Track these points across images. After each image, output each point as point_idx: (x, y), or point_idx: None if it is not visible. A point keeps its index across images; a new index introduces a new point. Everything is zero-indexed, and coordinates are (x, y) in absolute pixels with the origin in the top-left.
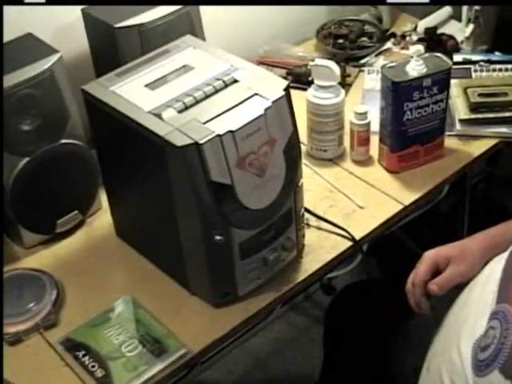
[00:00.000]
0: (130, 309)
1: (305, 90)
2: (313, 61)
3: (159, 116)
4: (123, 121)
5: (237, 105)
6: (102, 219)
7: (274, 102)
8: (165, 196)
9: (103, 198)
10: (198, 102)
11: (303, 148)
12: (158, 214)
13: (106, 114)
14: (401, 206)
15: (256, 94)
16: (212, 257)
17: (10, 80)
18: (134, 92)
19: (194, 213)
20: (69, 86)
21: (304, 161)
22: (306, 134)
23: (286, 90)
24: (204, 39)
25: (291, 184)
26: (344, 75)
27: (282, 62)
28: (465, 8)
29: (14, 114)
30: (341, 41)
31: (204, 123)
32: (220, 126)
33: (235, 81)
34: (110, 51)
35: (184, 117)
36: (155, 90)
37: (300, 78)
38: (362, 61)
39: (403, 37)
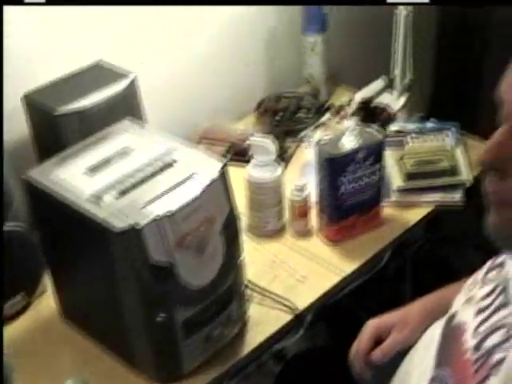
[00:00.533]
0: None
1: (245, 165)
2: (251, 137)
3: (99, 200)
4: (65, 206)
5: (175, 186)
6: (49, 301)
7: (210, 183)
8: (107, 278)
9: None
10: (136, 185)
11: (245, 222)
12: (102, 296)
13: (47, 200)
14: (341, 276)
15: (193, 175)
16: (155, 336)
17: None
18: (75, 177)
19: (136, 293)
20: (12, 171)
21: (246, 235)
22: (247, 208)
23: (223, 169)
24: (144, 120)
25: (231, 260)
26: (283, 149)
27: (223, 139)
28: (398, 78)
29: None
30: (279, 115)
31: (143, 206)
32: (159, 208)
33: (173, 162)
34: (51, 137)
35: (123, 200)
36: (96, 174)
37: (240, 154)
38: (301, 134)
39: (340, 109)
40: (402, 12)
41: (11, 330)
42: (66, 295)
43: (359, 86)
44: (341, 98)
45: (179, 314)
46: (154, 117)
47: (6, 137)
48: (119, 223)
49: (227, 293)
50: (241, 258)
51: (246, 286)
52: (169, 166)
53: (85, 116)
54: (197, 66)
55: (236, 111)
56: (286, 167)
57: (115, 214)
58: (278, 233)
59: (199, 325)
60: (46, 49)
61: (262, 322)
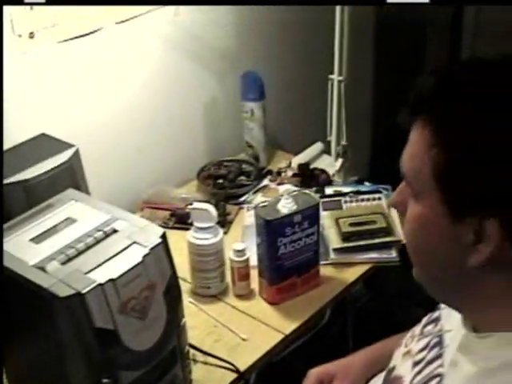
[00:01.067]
0: None
1: (188, 229)
2: (192, 203)
3: (43, 269)
4: (10, 276)
5: (117, 254)
6: None
7: (151, 249)
8: (53, 345)
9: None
10: (80, 253)
11: (188, 286)
12: (49, 363)
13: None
14: (282, 336)
15: (135, 243)
16: None
17: None
18: (20, 247)
19: (81, 358)
20: None
21: (189, 298)
22: (190, 271)
23: (163, 237)
24: (87, 189)
25: (173, 324)
26: (225, 214)
27: (166, 205)
28: (333, 143)
29: None
30: (220, 181)
31: (86, 273)
32: (101, 275)
33: (115, 231)
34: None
35: (67, 268)
36: (40, 243)
37: (183, 219)
38: (242, 198)
39: (279, 173)
40: (336, 79)
41: None
42: (14, 364)
43: (297, 151)
44: (279, 162)
45: (124, 377)
46: (97, 186)
47: None
48: (63, 290)
49: (171, 355)
50: (183, 321)
51: (191, 347)
52: (111, 234)
53: (29, 186)
54: (138, 133)
55: (178, 178)
56: (227, 231)
57: (59, 281)
58: (220, 295)
59: None
60: None
61: (207, 383)
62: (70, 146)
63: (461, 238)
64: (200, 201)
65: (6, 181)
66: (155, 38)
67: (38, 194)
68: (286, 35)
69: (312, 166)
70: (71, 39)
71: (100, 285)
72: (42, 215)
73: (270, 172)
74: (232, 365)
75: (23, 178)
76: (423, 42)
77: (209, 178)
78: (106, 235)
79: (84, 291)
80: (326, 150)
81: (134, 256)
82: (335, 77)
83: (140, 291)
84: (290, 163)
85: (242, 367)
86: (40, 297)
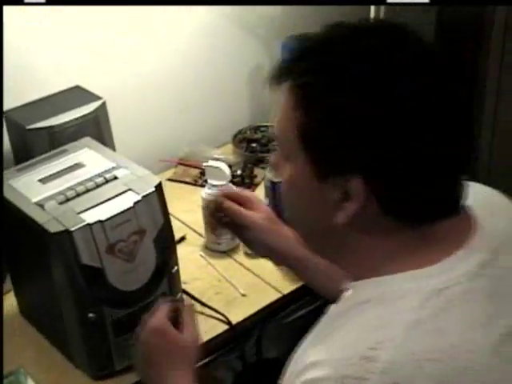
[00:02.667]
0: (19, 379)
1: None
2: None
3: (42, 206)
4: (14, 210)
5: (111, 198)
6: (12, 299)
7: (144, 197)
8: (47, 278)
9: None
10: (78, 195)
11: (202, 240)
12: (45, 295)
13: (3, 204)
14: (279, 295)
15: (130, 190)
16: (87, 333)
17: None
18: (27, 185)
19: (70, 293)
20: None
21: (200, 252)
22: (204, 227)
23: (157, 186)
24: (112, 141)
25: (164, 270)
26: (251, 176)
27: (198, 164)
28: None
29: None
30: (253, 144)
31: (78, 213)
32: (92, 216)
33: (115, 178)
34: (24, 150)
35: (63, 208)
36: (46, 184)
37: None
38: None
39: None
40: None
41: None
42: (21, 295)
43: None
44: None
45: (109, 314)
46: (135, 141)
47: None
48: (54, 227)
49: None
50: (175, 268)
51: (190, 296)
52: (110, 180)
53: (54, 132)
54: (181, 93)
55: (217, 139)
56: (253, 191)
57: (53, 219)
58: (230, 252)
59: (130, 326)
60: (31, 71)
61: None
62: (98, 98)
63: (328, 197)
64: (223, 160)
65: (33, 126)
66: None
67: (61, 141)
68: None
69: None
70: None
71: (89, 225)
72: (56, 159)
73: None
74: (225, 317)
75: (49, 124)
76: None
77: (243, 141)
78: (106, 181)
79: (73, 229)
80: None
81: (126, 201)
82: None
83: (129, 235)
84: None
85: (235, 320)
86: (36, 231)
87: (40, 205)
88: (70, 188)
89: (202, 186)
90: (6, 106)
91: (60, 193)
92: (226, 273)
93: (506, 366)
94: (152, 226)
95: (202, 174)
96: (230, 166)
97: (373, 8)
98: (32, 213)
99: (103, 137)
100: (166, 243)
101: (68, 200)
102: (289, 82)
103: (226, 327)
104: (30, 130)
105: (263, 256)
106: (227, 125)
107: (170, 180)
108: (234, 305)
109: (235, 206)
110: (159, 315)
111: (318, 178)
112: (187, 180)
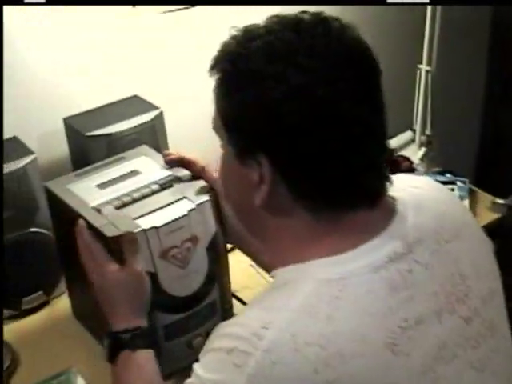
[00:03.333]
0: (70, 378)
1: None
2: None
3: (99, 211)
4: (71, 213)
5: (166, 205)
6: (66, 302)
7: (198, 205)
8: None
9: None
10: (134, 201)
11: None
12: None
13: (61, 207)
14: None
15: (184, 198)
16: None
17: None
18: (86, 190)
19: None
20: (40, 183)
21: (251, 262)
22: None
23: (212, 195)
24: (168, 149)
25: (215, 278)
26: None
27: None
28: (418, 132)
29: None
30: None
31: (134, 219)
32: (147, 222)
33: (170, 185)
34: (83, 156)
35: (119, 213)
36: (104, 189)
37: None
38: None
39: None
40: (424, 69)
41: (26, 324)
42: (75, 297)
43: None
44: None
45: (160, 318)
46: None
47: (45, 154)
48: (110, 231)
49: (211, 307)
50: (226, 278)
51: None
52: (166, 188)
53: (112, 139)
54: None
55: None
56: None
57: (109, 223)
58: None
59: (180, 331)
60: (87, 81)
61: None
62: (155, 107)
63: (249, 178)
64: None
65: (92, 133)
66: None
67: (119, 148)
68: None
69: (399, 153)
70: (171, 11)
71: (144, 230)
72: (113, 166)
73: None
74: None
75: (108, 132)
76: None
77: None
78: (162, 188)
79: None
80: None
81: (181, 209)
82: (423, 67)
83: (182, 242)
84: None
85: None
86: (94, 235)
87: (97, 209)
88: (127, 194)
89: None
90: (67, 113)
91: (117, 198)
92: None
93: (399, 359)
94: (204, 234)
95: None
96: None
97: (429, 8)
98: (89, 216)
99: (159, 145)
100: (218, 251)
101: (124, 205)
102: (216, 77)
103: None
104: (89, 136)
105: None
106: None
107: None
108: None
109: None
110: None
111: (238, 159)
112: None
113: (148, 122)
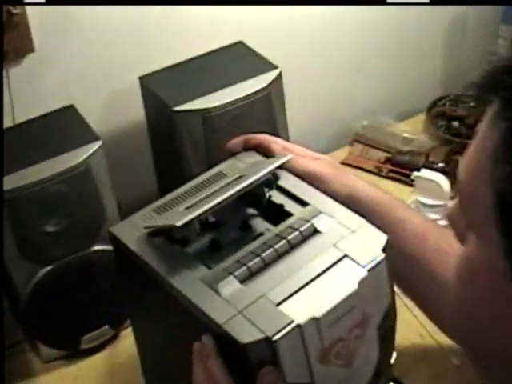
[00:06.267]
0: None
1: (405, 182)
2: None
3: (215, 290)
4: (168, 291)
5: (320, 274)
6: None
7: (370, 271)
8: None
9: None
10: (266, 265)
11: None
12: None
13: (135, 265)
14: None
15: (346, 256)
16: None
17: (36, 173)
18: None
19: None
20: (109, 182)
21: None
22: None
23: (385, 248)
24: (286, 124)
25: (383, 365)
26: (454, 167)
27: (381, 143)
28: None
29: (38, 213)
30: (456, 124)
31: (278, 304)
32: (299, 310)
33: (316, 231)
34: (167, 133)
35: (249, 291)
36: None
37: (402, 166)
38: None
39: None
40: None
41: (88, 365)
42: (146, 352)
43: None
44: None
45: None
46: (299, 112)
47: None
48: (245, 331)
49: None
50: (394, 356)
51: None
52: (309, 236)
53: (210, 117)
54: (360, 49)
55: (401, 109)
56: None
57: (239, 314)
58: None
59: None
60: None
61: None
62: (273, 67)
63: None
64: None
65: (181, 107)
66: None
67: (221, 128)
68: None
69: None
70: None
71: (298, 326)
72: (208, 188)
73: None
74: None
75: (203, 106)
76: None
77: (441, 117)
78: (304, 237)
79: (276, 337)
80: None
81: (346, 280)
82: None
83: (350, 330)
84: None
85: None
86: (204, 327)
87: (213, 288)
88: (251, 252)
89: (388, 177)
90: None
91: (238, 261)
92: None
93: None
94: (377, 310)
95: (388, 160)
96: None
97: None
98: (200, 301)
99: (275, 122)
100: (389, 324)
101: (253, 275)
102: (494, 104)
103: None
104: (177, 112)
105: None
106: (415, 91)
107: (343, 164)
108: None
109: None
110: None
111: None
112: (366, 167)
113: (263, 89)
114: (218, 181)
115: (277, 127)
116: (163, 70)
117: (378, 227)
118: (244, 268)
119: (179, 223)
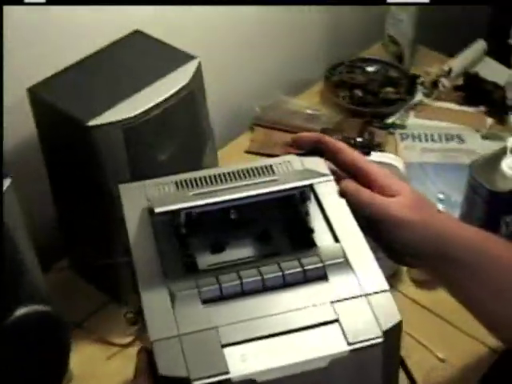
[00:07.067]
0: None
1: None
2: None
3: (172, 296)
4: None
5: (294, 330)
6: None
7: (353, 351)
8: None
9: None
10: (243, 293)
11: None
12: None
13: None
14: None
15: (336, 322)
16: None
17: None
18: None
19: None
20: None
21: None
22: None
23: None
24: (210, 126)
25: None
26: (373, 144)
27: (284, 125)
28: None
29: None
30: (358, 92)
31: (224, 345)
32: (243, 362)
33: (323, 277)
34: (77, 156)
35: (205, 315)
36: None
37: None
38: (389, 120)
39: (434, 84)
40: None
41: None
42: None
43: (449, 52)
44: (427, 66)
45: None
46: None
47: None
48: (167, 364)
49: None
50: None
51: None
52: (311, 281)
53: (131, 128)
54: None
55: (294, 82)
56: None
57: (173, 339)
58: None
59: None
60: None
61: None
62: (190, 57)
63: None
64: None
65: (94, 121)
66: None
67: (144, 141)
68: None
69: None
70: None
71: (228, 381)
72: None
73: (420, 81)
74: None
75: (119, 116)
76: None
77: (340, 87)
78: (304, 279)
79: (196, 383)
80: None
81: (319, 351)
82: None
83: None
84: (450, 70)
85: None
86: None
87: (172, 293)
88: (237, 273)
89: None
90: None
91: (215, 276)
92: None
93: None
94: None
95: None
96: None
97: None
98: (150, 310)
99: (200, 125)
100: None
101: (221, 299)
102: None
103: None
104: (91, 127)
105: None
106: (305, 59)
107: (248, 153)
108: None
109: (354, 185)
110: None
111: None
112: (275, 152)
113: (185, 86)
114: (257, 175)
115: (201, 124)
116: (54, 76)
117: None
118: (215, 287)
119: (158, 209)
